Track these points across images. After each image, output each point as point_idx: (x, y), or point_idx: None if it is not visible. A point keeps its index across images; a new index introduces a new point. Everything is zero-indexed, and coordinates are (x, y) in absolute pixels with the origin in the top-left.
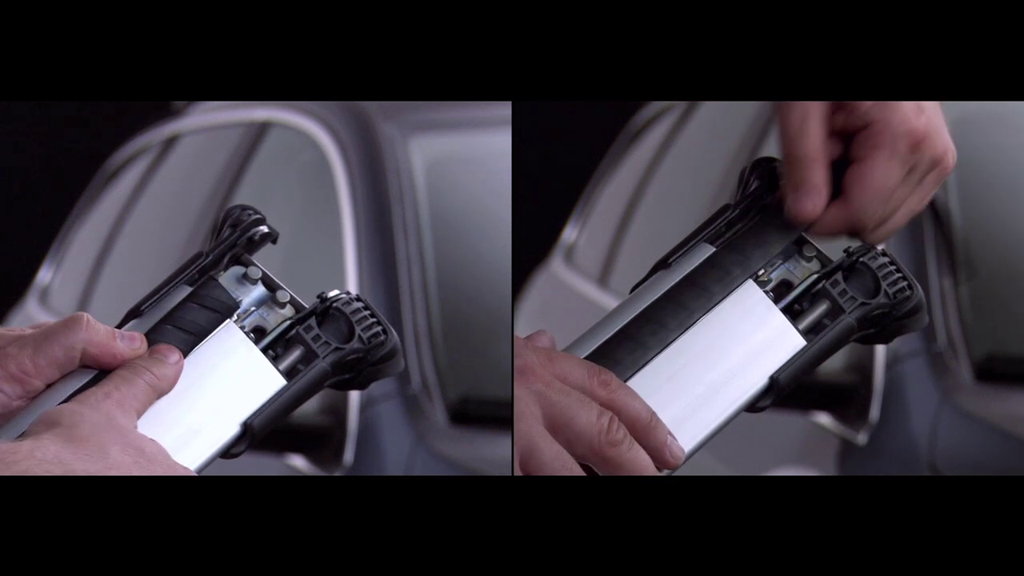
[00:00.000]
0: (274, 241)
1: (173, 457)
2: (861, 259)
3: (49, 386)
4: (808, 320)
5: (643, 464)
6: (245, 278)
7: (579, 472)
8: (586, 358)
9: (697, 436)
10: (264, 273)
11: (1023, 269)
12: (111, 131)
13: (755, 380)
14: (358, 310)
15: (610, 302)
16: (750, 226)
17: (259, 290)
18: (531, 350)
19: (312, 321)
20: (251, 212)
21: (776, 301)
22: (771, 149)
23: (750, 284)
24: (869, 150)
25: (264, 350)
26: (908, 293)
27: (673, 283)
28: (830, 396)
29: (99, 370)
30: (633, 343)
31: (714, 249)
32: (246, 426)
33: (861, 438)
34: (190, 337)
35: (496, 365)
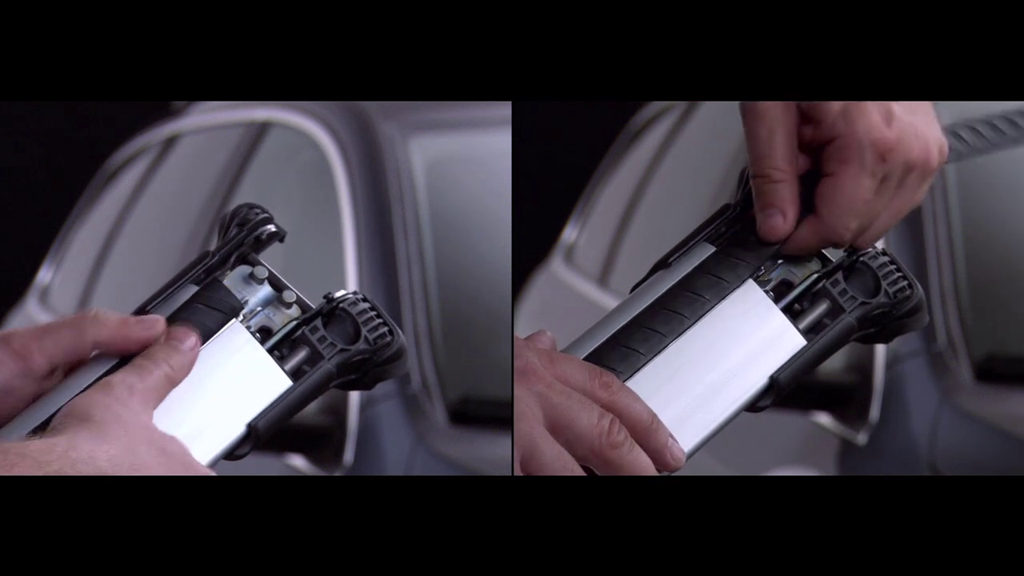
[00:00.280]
0: (281, 240)
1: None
2: (861, 258)
3: (54, 370)
4: (808, 320)
5: (644, 466)
6: (252, 277)
7: (580, 473)
8: (586, 359)
9: (698, 436)
10: (271, 273)
11: (1023, 269)
12: (111, 131)
13: (755, 380)
14: (364, 311)
15: (610, 302)
16: (744, 228)
17: (265, 290)
18: (532, 351)
19: (318, 322)
20: (258, 211)
21: (776, 301)
22: None
23: (750, 284)
24: (837, 165)
25: (270, 350)
26: (908, 292)
27: (673, 283)
28: (830, 396)
29: (117, 359)
30: (633, 343)
31: (714, 249)
32: (251, 427)
33: (861, 438)
34: None
35: (496, 365)
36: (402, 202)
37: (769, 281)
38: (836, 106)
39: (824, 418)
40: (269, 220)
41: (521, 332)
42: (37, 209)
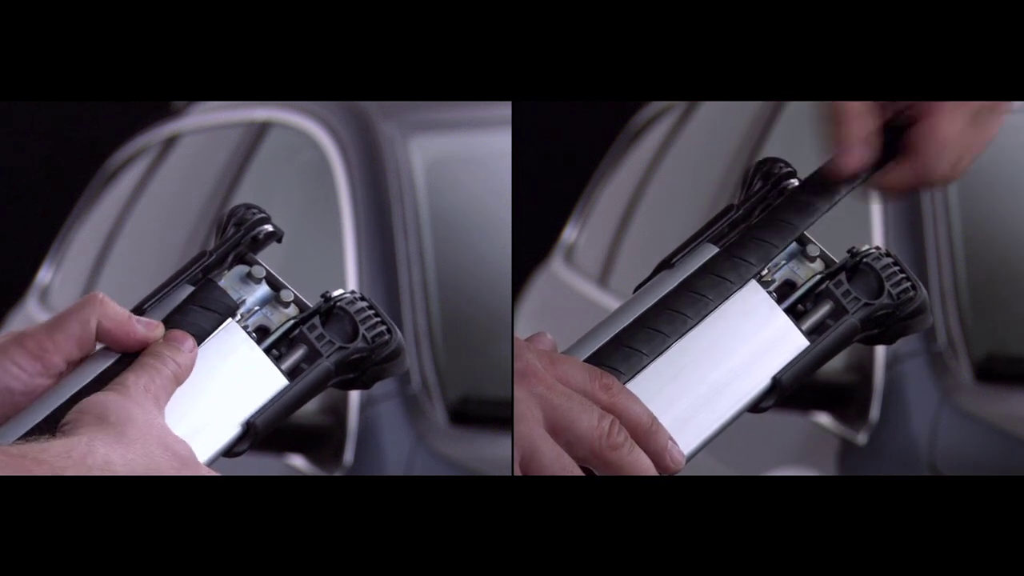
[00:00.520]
0: (279, 240)
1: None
2: (865, 260)
3: (70, 364)
4: (811, 321)
5: (644, 467)
6: (249, 277)
7: (579, 473)
8: (587, 360)
9: (700, 436)
10: (268, 272)
11: (1023, 269)
12: (111, 131)
13: (758, 380)
14: (362, 309)
15: (610, 302)
16: (769, 212)
17: (263, 289)
18: (532, 352)
19: (316, 320)
20: (256, 211)
21: (779, 301)
22: (771, 149)
23: (753, 284)
24: (932, 103)
25: (267, 349)
26: (912, 294)
27: (676, 283)
28: (830, 396)
29: (120, 355)
30: (639, 341)
31: (717, 249)
32: (248, 425)
33: (861, 438)
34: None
35: (496, 365)
36: (402, 202)
37: (772, 282)
38: None
39: (824, 418)
40: (266, 220)
41: (521, 332)
42: (37, 209)
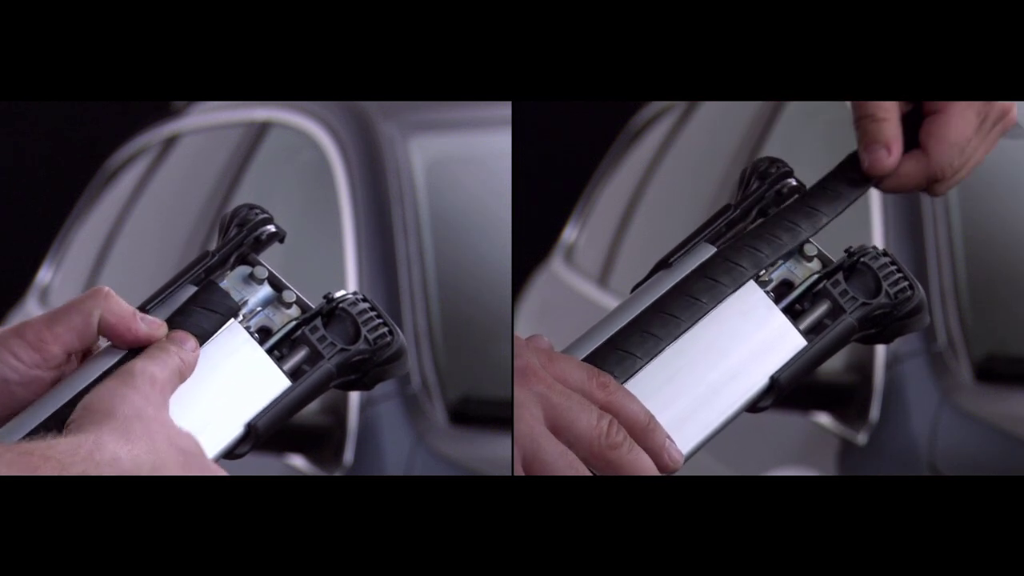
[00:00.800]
0: (281, 240)
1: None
2: (862, 259)
3: (70, 356)
4: (809, 320)
5: (643, 466)
6: (251, 278)
7: (584, 471)
8: (585, 359)
9: (698, 436)
10: (270, 273)
11: (1023, 269)
12: (111, 131)
13: (756, 380)
14: (364, 311)
15: (610, 302)
16: (831, 177)
17: (265, 290)
18: (531, 351)
19: (318, 322)
20: (258, 211)
21: (777, 301)
22: (771, 149)
23: (751, 284)
24: (945, 101)
25: (269, 351)
26: (909, 293)
27: (673, 283)
28: (830, 396)
29: (125, 352)
30: (633, 344)
31: (715, 249)
32: (250, 427)
33: (861, 438)
34: None
35: (496, 365)
36: (402, 202)
37: (770, 281)
38: None
39: (824, 418)
40: (269, 220)
41: (521, 332)
42: (37, 209)
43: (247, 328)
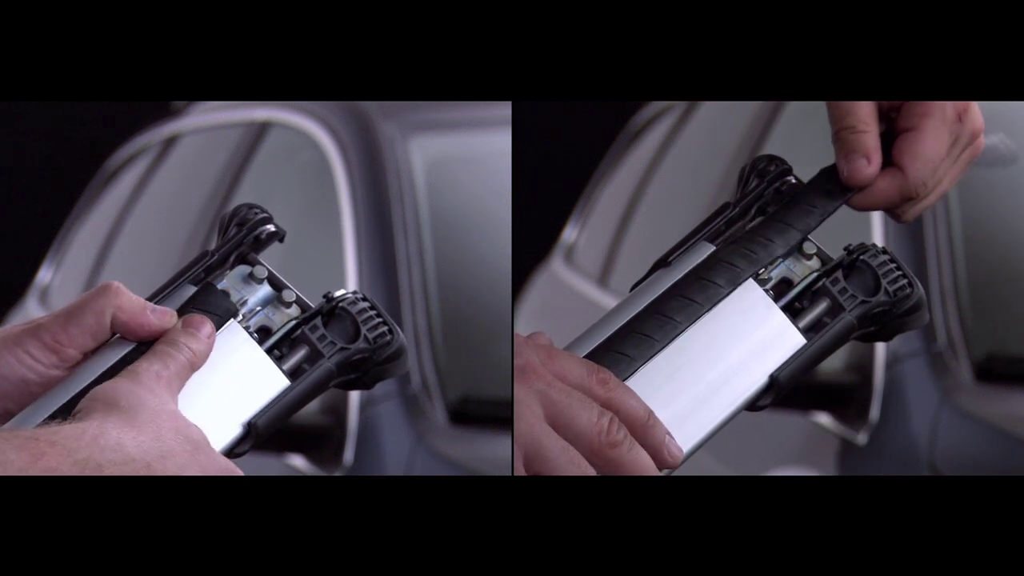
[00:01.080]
0: (281, 240)
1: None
2: (861, 257)
3: (86, 355)
4: (808, 318)
5: (644, 464)
6: (251, 277)
7: (587, 467)
8: (586, 356)
9: (697, 434)
10: (270, 272)
11: (1023, 269)
12: (111, 131)
13: (755, 378)
14: (364, 310)
15: (610, 302)
16: (809, 188)
17: (265, 289)
18: (531, 348)
19: (318, 321)
20: (258, 211)
21: (776, 299)
22: (771, 149)
23: (750, 282)
24: (919, 119)
25: (269, 350)
26: (908, 291)
27: (672, 282)
28: (830, 396)
29: (136, 343)
30: (632, 342)
31: (714, 248)
32: (249, 426)
33: (861, 438)
34: None
35: (496, 365)
36: (402, 202)
37: (769, 280)
38: None
39: (824, 418)
40: (268, 220)
41: (521, 332)
42: (37, 209)
43: (246, 328)
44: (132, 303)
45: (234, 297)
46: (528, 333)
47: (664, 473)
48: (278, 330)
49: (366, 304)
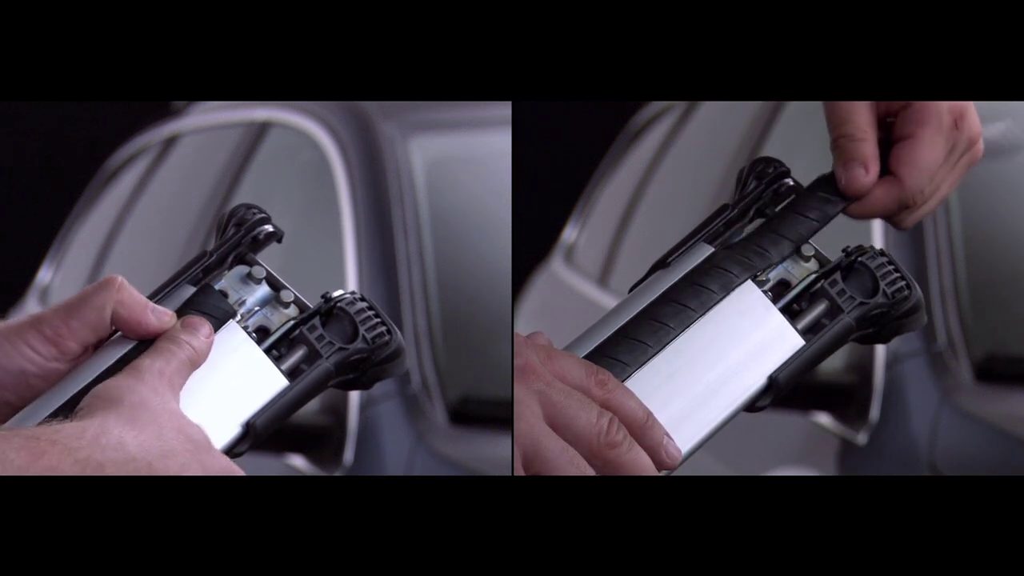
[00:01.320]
0: (279, 240)
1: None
2: (859, 259)
3: (86, 349)
4: (807, 320)
5: (643, 465)
6: (249, 277)
7: (586, 467)
8: (585, 357)
9: (696, 435)
10: (268, 272)
11: (1023, 269)
12: (111, 131)
13: (754, 380)
14: (362, 310)
15: (610, 302)
16: (771, 217)
17: (263, 289)
18: (531, 348)
19: (316, 321)
20: (256, 211)
21: (775, 301)
22: (771, 149)
23: (749, 284)
24: (915, 127)
25: (268, 350)
26: (906, 293)
27: (671, 283)
28: (830, 396)
29: (137, 341)
30: (631, 343)
31: (712, 249)
32: (248, 426)
33: (861, 438)
34: None
35: (496, 365)
36: (402, 202)
37: (767, 281)
38: None
39: (824, 418)
40: (266, 220)
41: (521, 332)
42: (37, 209)
43: (245, 328)
44: (133, 299)
45: (232, 297)
46: (528, 333)
47: (663, 474)
48: (276, 330)
49: (364, 304)
